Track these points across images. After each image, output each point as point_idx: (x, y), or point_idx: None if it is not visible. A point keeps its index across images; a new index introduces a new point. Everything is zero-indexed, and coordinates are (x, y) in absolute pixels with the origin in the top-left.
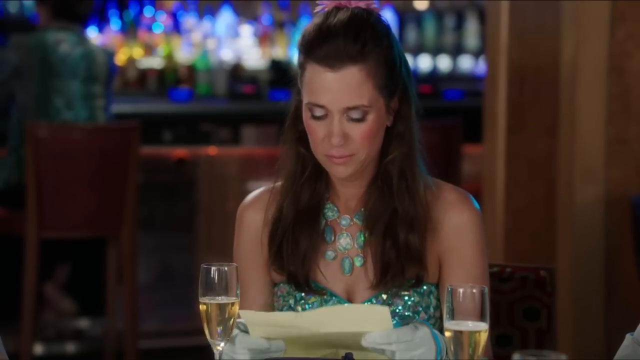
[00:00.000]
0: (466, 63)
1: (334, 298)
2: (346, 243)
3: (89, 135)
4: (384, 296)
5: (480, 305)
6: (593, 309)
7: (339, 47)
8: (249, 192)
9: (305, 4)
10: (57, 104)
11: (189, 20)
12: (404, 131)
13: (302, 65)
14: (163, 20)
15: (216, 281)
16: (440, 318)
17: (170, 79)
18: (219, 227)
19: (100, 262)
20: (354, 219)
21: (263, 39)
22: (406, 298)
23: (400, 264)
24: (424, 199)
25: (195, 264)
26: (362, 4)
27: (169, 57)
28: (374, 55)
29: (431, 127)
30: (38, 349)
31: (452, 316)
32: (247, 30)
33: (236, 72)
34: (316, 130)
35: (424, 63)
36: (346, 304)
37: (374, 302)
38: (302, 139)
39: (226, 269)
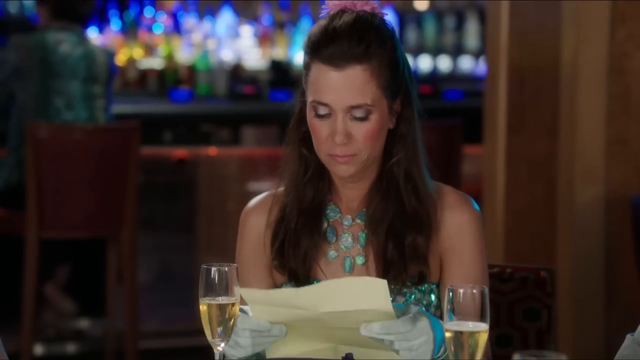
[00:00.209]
0: (466, 63)
1: None
2: (348, 243)
3: (89, 135)
4: None
5: (480, 305)
6: (593, 309)
7: (344, 48)
8: (249, 192)
9: (305, 4)
10: (57, 104)
11: (189, 20)
12: (407, 133)
13: (307, 66)
14: (163, 20)
15: (216, 282)
16: (441, 317)
17: (170, 80)
18: (219, 228)
19: (101, 262)
20: (356, 220)
21: (263, 39)
22: (407, 296)
23: (403, 263)
24: (430, 200)
25: (196, 265)
26: (367, 7)
27: (169, 58)
28: (378, 56)
29: (431, 127)
30: (38, 349)
31: (452, 317)
32: (247, 31)
33: (236, 72)
34: (320, 129)
35: (424, 63)
36: (344, 277)
37: None
38: (305, 140)
39: (226, 269)
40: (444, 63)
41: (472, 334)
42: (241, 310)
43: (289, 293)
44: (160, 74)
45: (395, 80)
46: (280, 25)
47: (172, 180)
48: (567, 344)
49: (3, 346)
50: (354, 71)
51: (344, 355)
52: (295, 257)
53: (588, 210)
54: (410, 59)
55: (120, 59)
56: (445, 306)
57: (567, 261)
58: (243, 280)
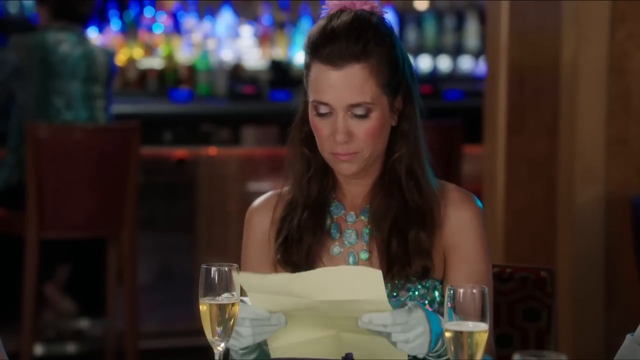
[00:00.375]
0: (466, 63)
1: None
2: (352, 239)
3: (89, 135)
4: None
5: (480, 305)
6: (593, 309)
7: (342, 47)
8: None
9: (305, 4)
10: (57, 104)
11: (189, 20)
12: (409, 130)
13: (307, 66)
14: (163, 20)
15: (216, 282)
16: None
17: (170, 80)
18: (219, 228)
19: (101, 262)
20: (360, 216)
21: (263, 39)
22: (411, 291)
23: (407, 257)
24: (433, 196)
25: (196, 265)
26: (366, 7)
27: (169, 58)
28: (376, 54)
29: (431, 127)
30: (38, 349)
31: (453, 316)
32: (247, 31)
33: (236, 72)
34: (321, 129)
35: (424, 63)
36: (339, 266)
37: None
38: (307, 139)
39: (226, 269)
40: (444, 63)
41: (472, 334)
42: (240, 300)
43: (284, 277)
44: (160, 74)
45: (395, 77)
46: (280, 25)
47: (172, 180)
48: (567, 344)
49: (3, 346)
50: (353, 70)
51: (344, 355)
52: (298, 252)
53: (588, 210)
54: (410, 59)
55: (120, 59)
56: (446, 305)
57: (567, 261)
58: None
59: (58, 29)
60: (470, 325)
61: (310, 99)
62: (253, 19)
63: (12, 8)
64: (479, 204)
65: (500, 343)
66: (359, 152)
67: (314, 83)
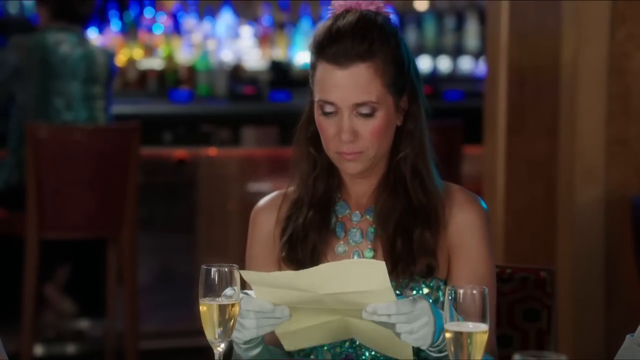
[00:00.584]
0: (466, 64)
1: None
2: (357, 238)
3: (89, 136)
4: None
5: (480, 306)
6: (593, 310)
7: (347, 47)
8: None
9: (305, 4)
10: (57, 104)
11: (189, 21)
12: (414, 129)
13: (313, 66)
14: (163, 21)
15: (216, 282)
16: None
17: (170, 80)
18: (219, 228)
19: (101, 263)
20: (365, 215)
21: (263, 40)
22: (415, 291)
23: (412, 256)
24: (438, 196)
25: (196, 265)
26: (372, 7)
27: (169, 58)
28: (382, 54)
29: (431, 128)
30: (38, 349)
31: (453, 315)
32: (247, 31)
33: (236, 73)
34: (327, 128)
35: (424, 64)
36: (343, 260)
37: None
38: (313, 139)
39: (226, 270)
40: (444, 63)
41: (471, 334)
42: (244, 293)
43: (289, 275)
44: (160, 75)
45: (401, 77)
46: (280, 26)
47: (172, 181)
48: (567, 344)
49: (3, 346)
50: (358, 69)
51: (344, 355)
52: (303, 250)
53: (588, 210)
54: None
55: (120, 59)
56: (446, 305)
57: (567, 261)
58: None
59: (58, 30)
60: (470, 326)
61: (316, 98)
62: (253, 19)
63: (12, 8)
64: (484, 206)
65: (501, 343)
66: (364, 152)
67: (320, 82)
